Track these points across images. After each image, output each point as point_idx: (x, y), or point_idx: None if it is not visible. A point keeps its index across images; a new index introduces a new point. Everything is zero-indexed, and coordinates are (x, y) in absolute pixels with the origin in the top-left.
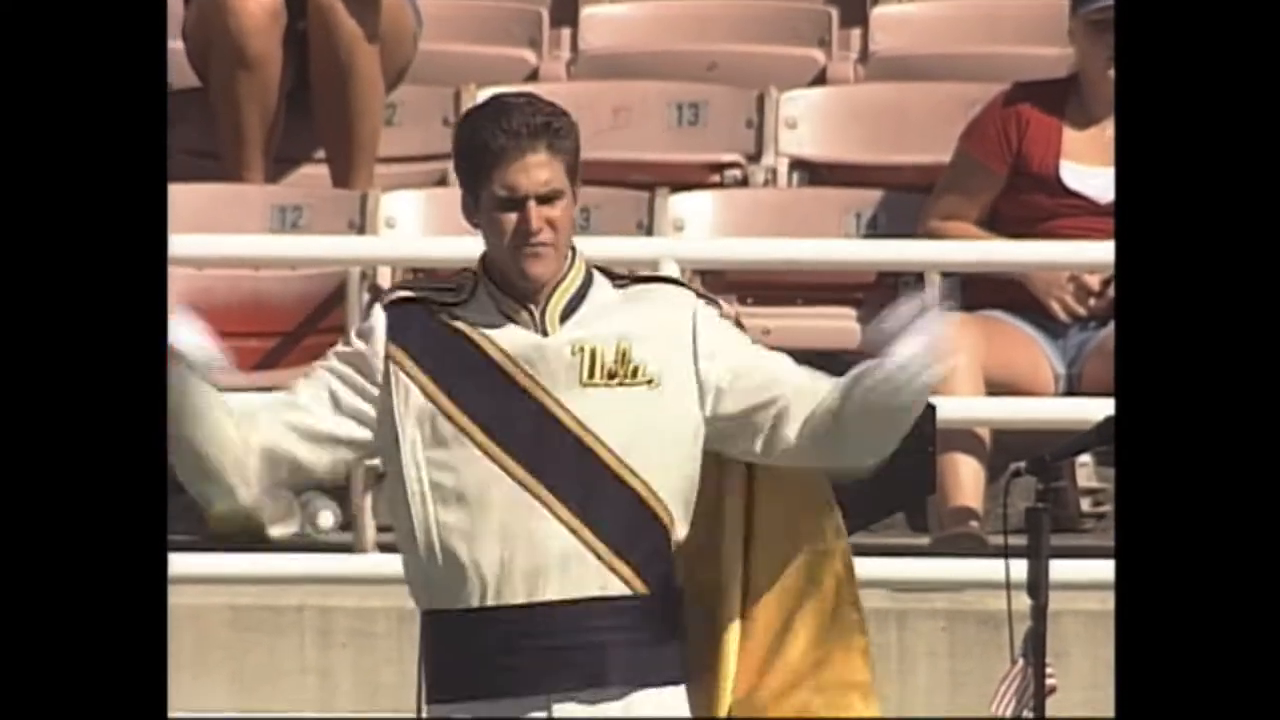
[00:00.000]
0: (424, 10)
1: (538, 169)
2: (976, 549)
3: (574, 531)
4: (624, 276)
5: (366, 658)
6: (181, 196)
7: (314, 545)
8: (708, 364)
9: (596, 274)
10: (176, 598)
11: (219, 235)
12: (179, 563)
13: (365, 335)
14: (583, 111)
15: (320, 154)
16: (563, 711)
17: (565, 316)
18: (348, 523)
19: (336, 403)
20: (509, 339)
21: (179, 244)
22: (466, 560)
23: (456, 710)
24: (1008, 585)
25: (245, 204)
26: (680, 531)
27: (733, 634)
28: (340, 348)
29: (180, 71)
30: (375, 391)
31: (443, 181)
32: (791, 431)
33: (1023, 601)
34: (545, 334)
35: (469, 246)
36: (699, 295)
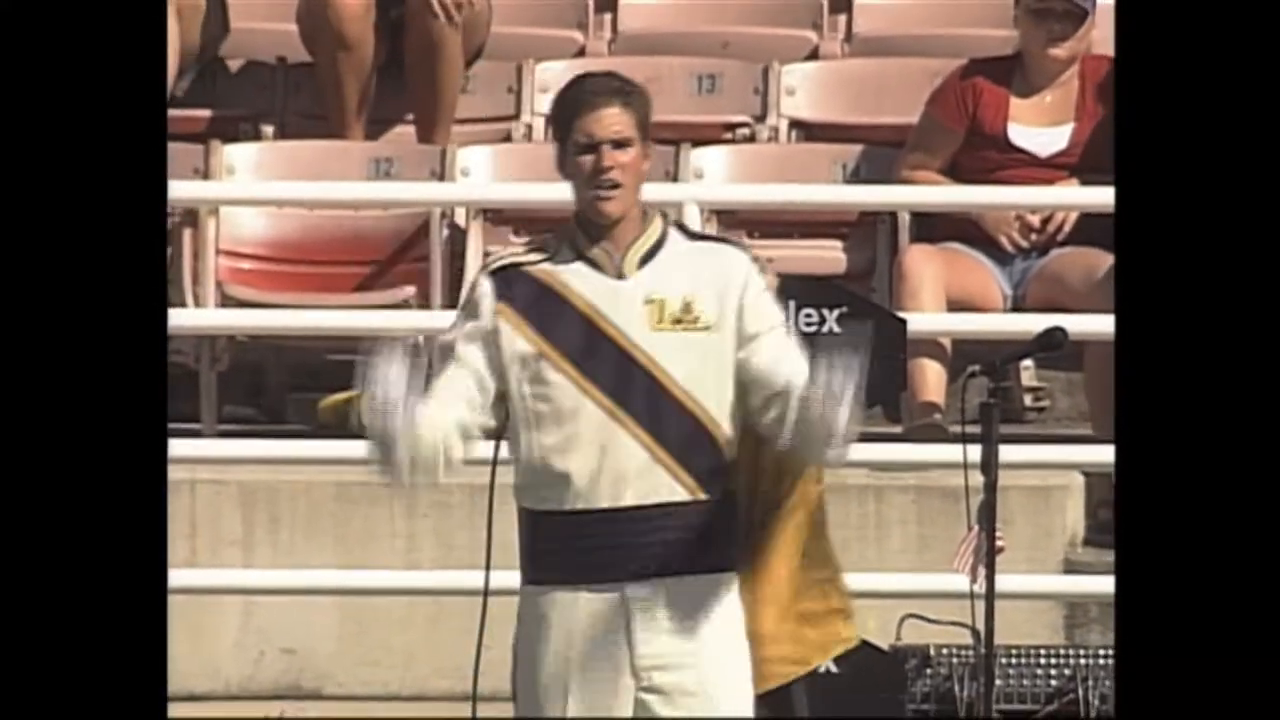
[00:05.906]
0: None
1: (611, 120)
2: (940, 436)
3: (647, 448)
4: (697, 234)
5: (444, 524)
6: (297, 152)
7: None
8: (747, 321)
9: (673, 230)
10: (294, 475)
11: (327, 182)
12: (296, 448)
13: (476, 303)
14: None
15: (408, 116)
16: (634, 593)
17: (642, 264)
18: None
19: (477, 372)
20: (591, 286)
21: (295, 189)
22: (561, 472)
23: (545, 592)
24: (964, 465)
25: (347, 157)
26: (732, 450)
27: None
28: (465, 325)
29: (296, 49)
30: (494, 350)
31: (508, 138)
32: (764, 417)
33: (977, 479)
34: (623, 277)
35: (530, 191)
36: (754, 260)
